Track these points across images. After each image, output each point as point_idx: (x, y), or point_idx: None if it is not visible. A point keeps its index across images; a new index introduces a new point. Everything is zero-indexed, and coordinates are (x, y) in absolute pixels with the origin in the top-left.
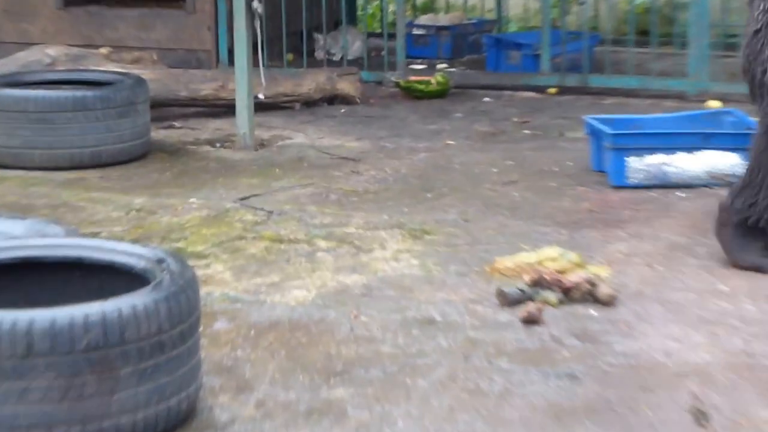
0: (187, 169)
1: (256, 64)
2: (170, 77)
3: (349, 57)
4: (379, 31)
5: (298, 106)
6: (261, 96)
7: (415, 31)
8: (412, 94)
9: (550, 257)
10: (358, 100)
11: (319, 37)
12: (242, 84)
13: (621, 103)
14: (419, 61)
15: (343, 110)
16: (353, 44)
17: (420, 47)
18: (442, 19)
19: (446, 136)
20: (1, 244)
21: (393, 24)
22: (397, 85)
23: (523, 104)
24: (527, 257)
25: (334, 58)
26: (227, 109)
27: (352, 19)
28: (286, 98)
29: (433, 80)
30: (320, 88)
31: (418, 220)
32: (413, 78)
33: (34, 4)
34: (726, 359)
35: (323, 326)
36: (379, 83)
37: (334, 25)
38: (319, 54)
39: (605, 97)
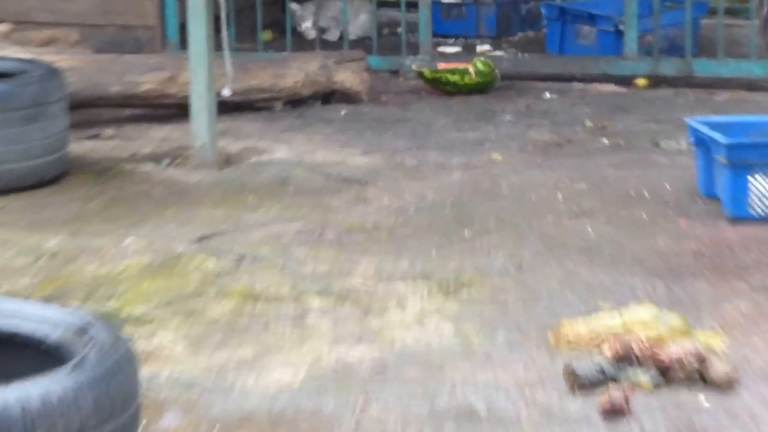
0: (121, 196)
1: (219, 46)
2: (97, 66)
3: (352, 36)
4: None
5: (279, 105)
6: (227, 92)
7: (446, 0)
8: (441, 88)
9: (641, 321)
10: (364, 98)
11: (296, 8)
12: (200, 75)
13: (740, 100)
14: (452, 41)
15: (343, 112)
16: (357, 17)
17: (453, 21)
18: None
19: (491, 147)
20: None
21: None
22: (421, 75)
23: (600, 101)
24: (608, 321)
25: (330, 38)
26: (178, 110)
27: None
28: (262, 95)
29: (471, 68)
30: (311, 80)
31: (451, 267)
32: (443, 66)
33: None
34: None
35: (317, 421)
36: (395, 73)
37: None
38: (309, 32)
39: (717, 91)
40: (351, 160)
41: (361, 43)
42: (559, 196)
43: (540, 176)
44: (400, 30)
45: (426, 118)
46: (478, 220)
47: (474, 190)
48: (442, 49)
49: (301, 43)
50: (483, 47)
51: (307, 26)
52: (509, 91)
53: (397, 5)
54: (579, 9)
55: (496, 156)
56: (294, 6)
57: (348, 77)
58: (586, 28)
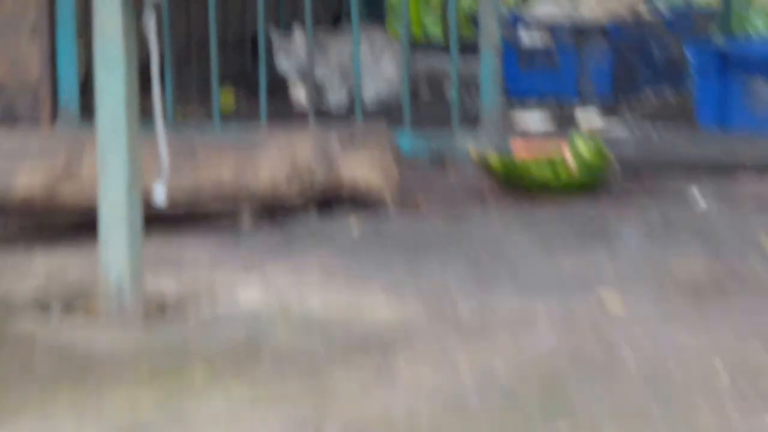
0: None
1: (148, 116)
2: None
3: (369, 98)
4: (438, 37)
5: (248, 217)
6: (160, 195)
7: (526, 39)
8: (520, 186)
9: None
10: (390, 203)
11: (283, 42)
12: (114, 166)
13: None
14: (536, 106)
15: (356, 227)
16: (378, 67)
17: (538, 73)
18: (589, 9)
19: (604, 288)
20: None
21: (470, 18)
22: (485, 165)
23: None
24: None
25: (333, 102)
26: (78, 226)
27: (375, 11)
28: (220, 200)
29: (569, 154)
30: (301, 174)
31: None
32: (522, 149)
33: None
34: None
35: None
36: (441, 162)
37: (332, 19)
38: (297, 92)
39: None
40: (368, 308)
41: (385, 111)
42: (723, 372)
43: (688, 338)
44: (448, 88)
45: (494, 237)
46: (584, 413)
47: (576, 360)
48: (520, 120)
49: (285, 111)
50: (589, 117)
51: (292, 78)
52: (634, 191)
53: (443, 47)
54: (752, 52)
55: (613, 302)
56: (278, 38)
57: (362, 169)
58: (763, 86)
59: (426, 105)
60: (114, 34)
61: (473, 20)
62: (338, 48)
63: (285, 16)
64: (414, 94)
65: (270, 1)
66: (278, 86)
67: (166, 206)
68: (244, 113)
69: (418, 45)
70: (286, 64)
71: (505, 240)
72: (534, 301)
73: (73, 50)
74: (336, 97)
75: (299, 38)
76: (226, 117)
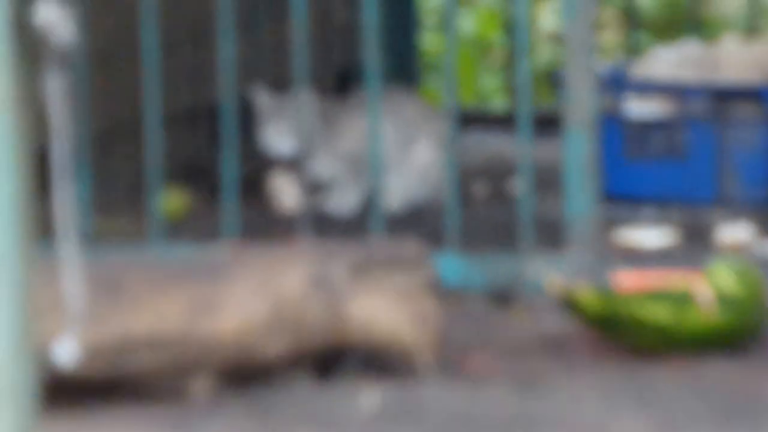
0: None
1: (48, 231)
2: None
3: (396, 201)
4: (502, 107)
5: (204, 384)
6: (66, 355)
7: (637, 111)
8: (624, 332)
9: None
10: (425, 361)
11: (279, 109)
12: None
13: None
14: (650, 213)
15: (372, 399)
16: (405, 155)
17: (654, 164)
18: (734, 65)
19: None
20: None
21: (550, 79)
22: (572, 303)
23: None
24: None
25: (338, 207)
26: None
27: (404, 68)
28: (159, 360)
29: (703, 288)
30: (288, 318)
31: None
32: (629, 280)
33: None
34: None
35: None
36: (503, 300)
37: (338, 80)
38: (285, 193)
39: None
40: None
41: (418, 222)
42: None
43: None
44: (515, 185)
45: (587, 416)
46: None
47: None
48: (626, 236)
49: (264, 220)
50: (733, 234)
51: (283, 166)
52: None
53: (505, 121)
54: None
55: None
56: (269, 104)
57: (382, 310)
58: None
59: (482, 211)
60: None
61: (554, 81)
62: (348, 123)
63: (267, 77)
64: (464, 195)
65: (242, 57)
66: (253, 181)
67: (76, 369)
68: (200, 223)
69: (470, 119)
70: (283, 143)
71: (605, 422)
72: None
73: None
74: (344, 197)
75: (304, 102)
76: (172, 229)
